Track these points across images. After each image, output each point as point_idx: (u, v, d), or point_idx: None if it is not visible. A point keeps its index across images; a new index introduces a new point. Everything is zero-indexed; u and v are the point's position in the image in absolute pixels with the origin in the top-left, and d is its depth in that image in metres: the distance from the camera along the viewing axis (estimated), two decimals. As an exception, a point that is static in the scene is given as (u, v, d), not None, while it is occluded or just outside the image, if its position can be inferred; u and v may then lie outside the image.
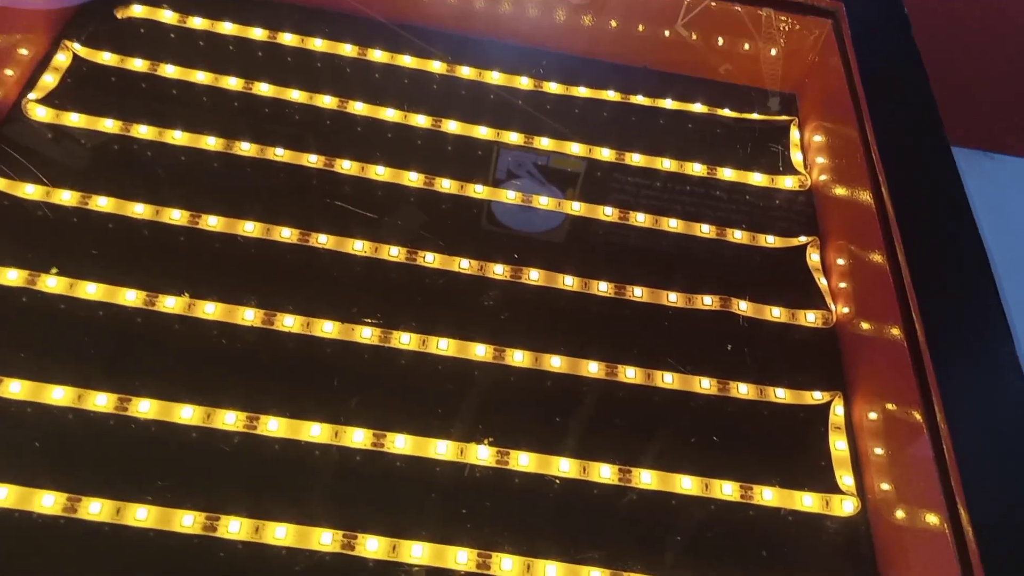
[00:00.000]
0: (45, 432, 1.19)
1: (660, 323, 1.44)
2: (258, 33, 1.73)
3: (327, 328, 1.35)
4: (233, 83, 1.64)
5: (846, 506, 1.28)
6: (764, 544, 1.24)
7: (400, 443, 1.25)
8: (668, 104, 1.76)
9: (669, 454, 1.30)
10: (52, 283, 1.33)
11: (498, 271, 1.46)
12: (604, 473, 1.26)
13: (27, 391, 1.22)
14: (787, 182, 1.68)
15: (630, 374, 1.36)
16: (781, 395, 1.38)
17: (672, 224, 1.57)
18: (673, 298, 1.46)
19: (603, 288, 1.46)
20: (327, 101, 1.65)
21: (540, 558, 1.17)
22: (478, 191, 1.56)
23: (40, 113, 1.53)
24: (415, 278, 1.44)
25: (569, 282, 1.46)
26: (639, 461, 1.28)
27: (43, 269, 1.33)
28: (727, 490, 1.26)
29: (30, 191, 1.43)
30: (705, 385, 1.37)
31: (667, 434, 1.32)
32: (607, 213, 1.57)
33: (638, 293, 1.46)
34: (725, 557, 1.22)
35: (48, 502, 1.13)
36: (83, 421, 1.22)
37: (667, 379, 1.37)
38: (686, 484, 1.27)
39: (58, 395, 1.22)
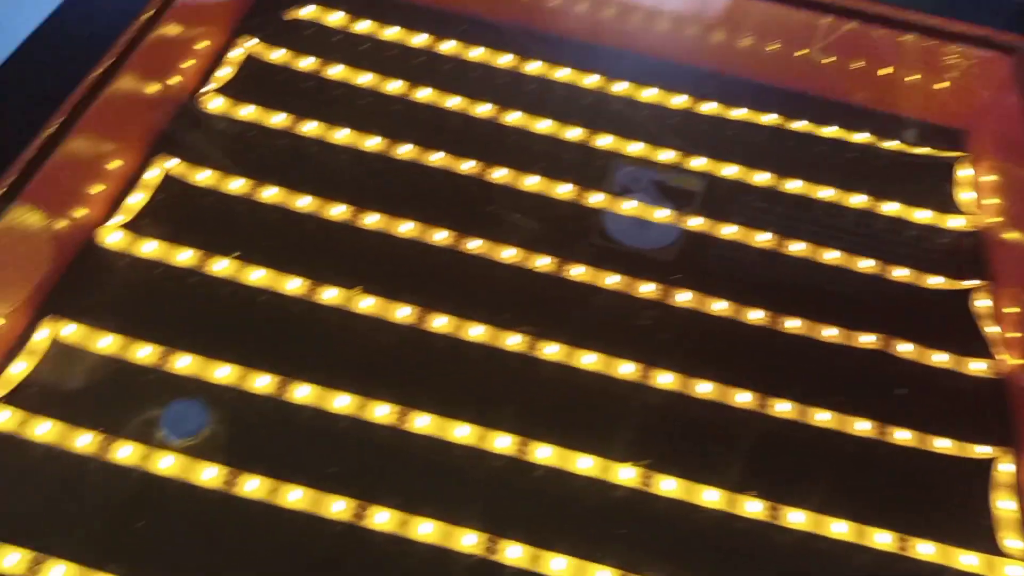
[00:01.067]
0: (208, 408, 1.23)
1: (816, 358, 1.39)
2: (420, 40, 1.77)
3: (475, 331, 1.36)
4: (394, 87, 1.68)
5: (1010, 572, 1.20)
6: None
7: (544, 453, 1.24)
8: (827, 131, 1.71)
9: (820, 495, 1.24)
10: (220, 266, 1.38)
11: (645, 289, 1.43)
12: (751, 507, 1.22)
13: (194, 366, 1.27)
14: (953, 221, 1.60)
15: (783, 408, 1.32)
16: (941, 445, 1.31)
17: (829, 256, 1.52)
18: (831, 332, 1.41)
19: (756, 316, 1.42)
20: (484, 110, 1.66)
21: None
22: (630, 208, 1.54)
23: (215, 104, 1.60)
24: (565, 290, 1.43)
25: (722, 307, 1.42)
26: (789, 499, 1.23)
27: (211, 252, 1.38)
28: (882, 539, 1.20)
29: (201, 177, 1.49)
30: (861, 427, 1.31)
31: (819, 474, 1.27)
32: (760, 239, 1.53)
33: (793, 324, 1.41)
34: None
35: (208, 475, 1.17)
36: (243, 400, 1.25)
37: (821, 416, 1.32)
38: (839, 528, 1.21)
39: (222, 373, 1.26)
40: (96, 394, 1.25)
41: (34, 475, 1.17)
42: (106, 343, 1.28)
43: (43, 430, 1.19)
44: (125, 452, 1.18)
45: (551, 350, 1.35)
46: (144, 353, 1.28)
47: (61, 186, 1.33)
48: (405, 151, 1.58)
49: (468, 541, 1.16)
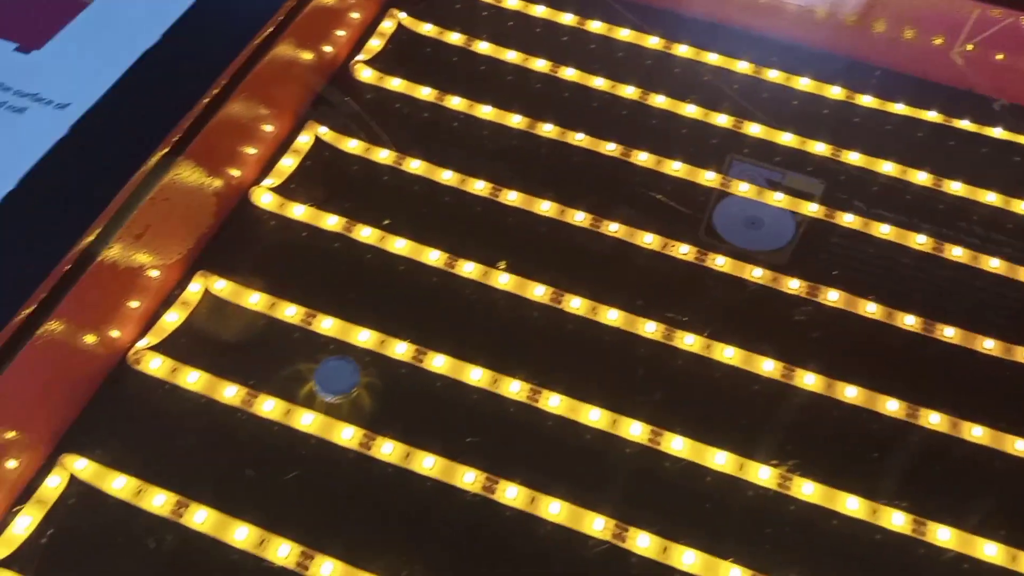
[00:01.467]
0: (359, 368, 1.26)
1: (972, 370, 1.31)
2: (567, 19, 1.75)
3: (611, 316, 1.34)
4: (540, 65, 1.66)
5: None
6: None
7: (677, 445, 1.21)
8: (996, 133, 1.60)
9: (970, 514, 1.17)
10: (365, 233, 1.40)
11: (793, 286, 1.38)
12: (896, 520, 1.16)
13: (336, 329, 1.29)
14: None
15: (934, 419, 1.24)
16: (1110, 473, 1.21)
17: (994, 264, 1.42)
18: (989, 344, 1.32)
19: (909, 321, 1.34)
20: (628, 91, 1.63)
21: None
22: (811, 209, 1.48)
23: (366, 75, 1.62)
24: (705, 279, 1.39)
25: (872, 309, 1.35)
26: (936, 515, 1.16)
27: (356, 218, 1.41)
28: (1039, 567, 1.12)
29: (352, 146, 1.52)
30: (1020, 446, 1.22)
31: (970, 491, 1.19)
32: (919, 241, 1.44)
33: (949, 333, 1.33)
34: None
35: (347, 435, 1.19)
36: (381, 364, 1.27)
37: (975, 432, 1.24)
38: (990, 551, 1.14)
39: (363, 337, 1.28)
40: (243, 348, 1.29)
41: (182, 422, 1.21)
42: (255, 300, 1.33)
43: (192, 379, 1.24)
44: (269, 406, 1.21)
45: (689, 340, 1.32)
46: (290, 312, 1.31)
47: (219, 147, 1.38)
48: (548, 130, 1.57)
49: (597, 526, 1.14)
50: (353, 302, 1.34)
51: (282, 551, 1.09)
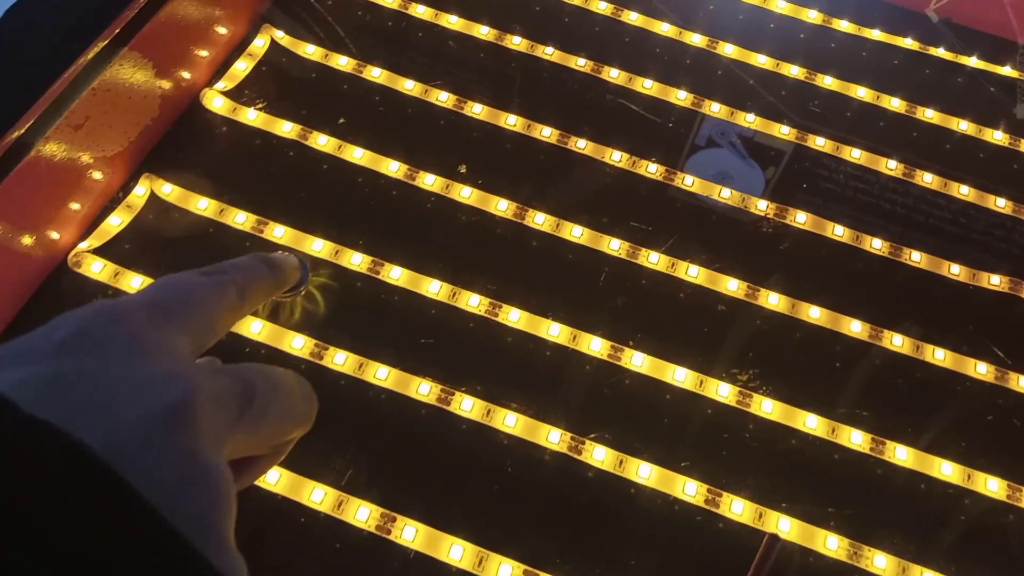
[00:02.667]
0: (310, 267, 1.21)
1: (937, 293, 1.29)
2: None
3: (576, 232, 1.30)
4: (510, -23, 1.59)
5: None
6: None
7: (637, 360, 1.18)
8: (973, 63, 1.57)
9: (927, 435, 1.16)
10: (322, 141, 1.34)
11: (761, 207, 1.35)
12: (855, 439, 1.15)
13: (288, 238, 1.24)
14: (1103, 167, 1.46)
15: (897, 341, 1.23)
16: (1068, 399, 1.21)
17: (963, 191, 1.40)
18: (956, 270, 1.31)
19: (876, 245, 1.32)
20: (601, 7, 1.58)
21: (773, 508, 1.08)
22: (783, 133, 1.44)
23: (326, -20, 1.54)
24: (672, 197, 1.35)
25: (839, 232, 1.33)
26: (894, 435, 1.15)
27: (313, 127, 1.35)
28: (993, 486, 1.12)
29: (310, 51, 1.45)
30: (982, 370, 1.22)
31: (929, 413, 1.19)
32: (890, 167, 1.42)
33: (916, 258, 1.31)
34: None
35: (298, 344, 1.15)
36: (336, 274, 1.22)
37: (938, 355, 1.23)
38: (946, 470, 1.14)
39: (317, 246, 1.23)
40: (189, 254, 1.24)
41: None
42: (203, 205, 1.27)
43: (136, 284, 1.19)
44: (216, 312, 1.16)
45: (653, 259, 1.28)
46: (240, 219, 1.26)
47: (168, 47, 1.30)
48: (517, 43, 1.51)
49: (554, 438, 1.12)
50: (307, 211, 1.28)
51: (227, 457, 1.05)
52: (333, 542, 1.04)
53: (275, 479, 1.05)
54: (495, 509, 1.08)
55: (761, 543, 0.88)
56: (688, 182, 1.38)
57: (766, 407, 1.16)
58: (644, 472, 1.10)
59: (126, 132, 1.24)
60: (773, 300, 1.26)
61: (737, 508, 1.09)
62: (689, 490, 1.09)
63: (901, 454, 1.14)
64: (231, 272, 0.51)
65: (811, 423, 1.16)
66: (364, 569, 1.03)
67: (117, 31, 1.18)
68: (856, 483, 1.13)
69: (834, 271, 1.31)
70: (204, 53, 1.39)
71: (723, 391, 1.17)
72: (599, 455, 1.10)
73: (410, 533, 1.03)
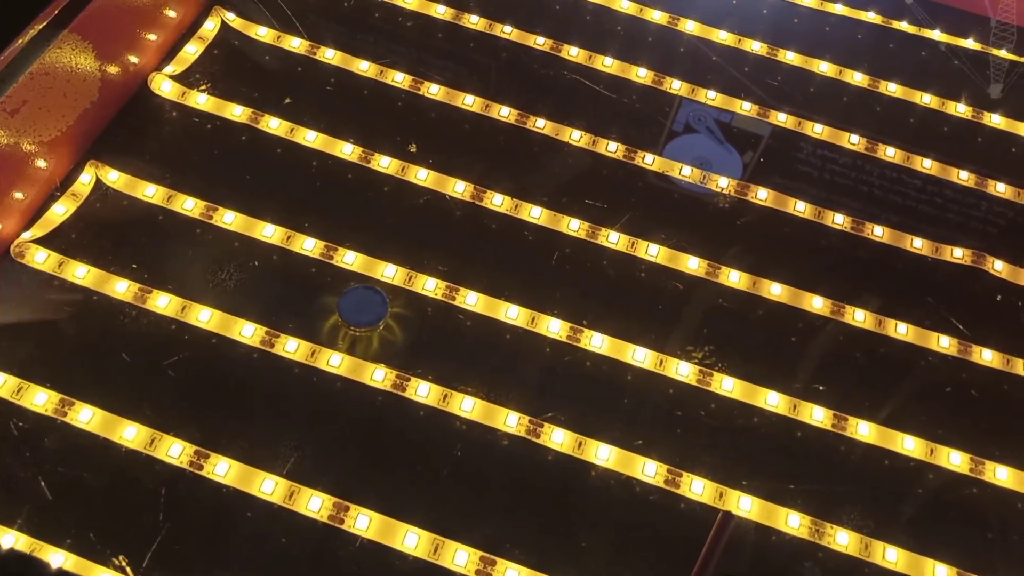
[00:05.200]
0: (249, 265, 1.18)
1: (899, 267, 1.28)
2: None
3: (535, 213, 1.28)
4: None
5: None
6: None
7: (597, 342, 1.17)
8: (936, 35, 1.55)
9: (892, 409, 1.15)
10: (274, 124, 1.31)
11: (722, 184, 1.33)
12: (816, 415, 1.14)
13: (238, 224, 1.21)
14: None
15: (859, 316, 1.22)
16: (1030, 371, 1.20)
17: (926, 164, 1.39)
18: (918, 244, 1.30)
19: (839, 221, 1.31)
20: (561, -15, 1.55)
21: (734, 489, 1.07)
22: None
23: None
24: (632, 177, 1.34)
25: (801, 208, 1.31)
26: (857, 411, 1.14)
27: (265, 110, 1.32)
28: (955, 460, 1.11)
29: (261, 33, 1.42)
30: (945, 343, 1.21)
31: (890, 389, 1.18)
32: (853, 142, 1.40)
33: (878, 232, 1.30)
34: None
35: (248, 332, 1.12)
36: (289, 261, 1.20)
37: (900, 330, 1.22)
38: (908, 445, 1.13)
39: (268, 232, 1.21)
40: (135, 244, 1.20)
41: (68, 319, 1.13)
42: (150, 192, 1.24)
43: (80, 273, 1.15)
44: (163, 302, 1.14)
45: (613, 239, 1.27)
46: (189, 206, 1.23)
47: (113, 30, 1.26)
48: (474, 22, 1.48)
49: (511, 421, 1.10)
50: (259, 197, 1.25)
51: (174, 450, 1.03)
52: (282, 534, 1.01)
53: (224, 470, 1.02)
54: (451, 496, 1.06)
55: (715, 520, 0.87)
56: (648, 160, 1.35)
57: (727, 385, 1.15)
58: (603, 453, 1.08)
59: (65, 117, 1.20)
60: (734, 277, 1.24)
61: (697, 488, 1.07)
62: (649, 471, 1.07)
63: (863, 430, 1.13)
64: None
65: (772, 400, 1.14)
66: (317, 557, 1.00)
67: (56, 13, 1.15)
68: (818, 459, 1.12)
69: (796, 247, 1.30)
70: (152, 36, 1.35)
71: (683, 370, 1.16)
72: (558, 437, 1.09)
73: (363, 522, 1.01)
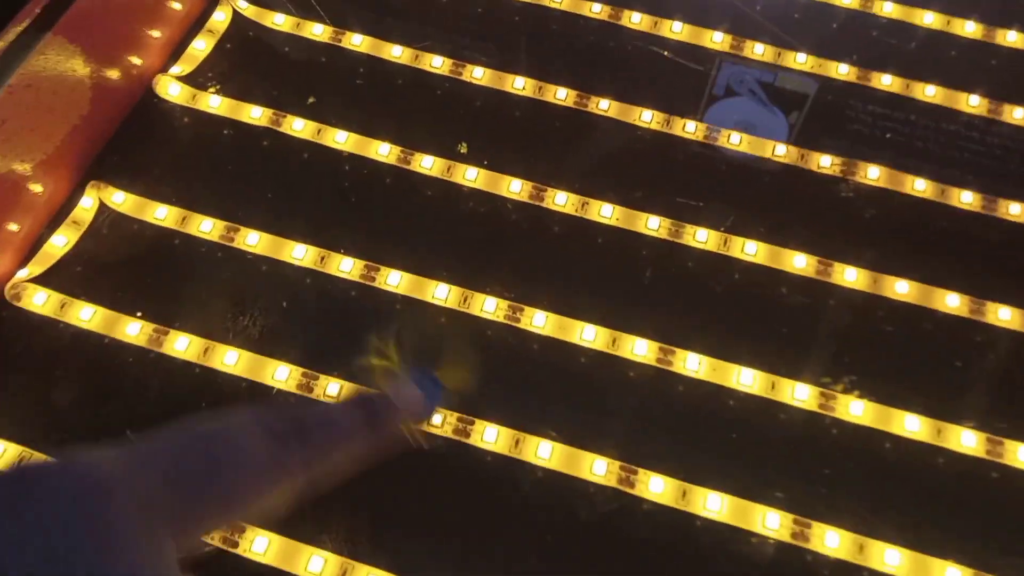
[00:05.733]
0: (282, 292, 1.01)
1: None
2: None
3: (605, 212, 1.09)
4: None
5: None
6: None
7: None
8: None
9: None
10: (298, 126, 1.14)
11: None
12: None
13: (264, 246, 1.04)
14: None
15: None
16: None
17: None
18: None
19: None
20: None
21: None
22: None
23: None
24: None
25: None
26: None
27: (288, 109, 1.14)
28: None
29: (278, 21, 1.24)
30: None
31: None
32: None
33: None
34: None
35: (282, 375, 0.95)
36: (321, 283, 1.03)
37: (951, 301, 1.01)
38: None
39: (299, 253, 1.04)
40: (149, 276, 1.04)
41: (68, 372, 0.97)
42: (162, 214, 1.07)
43: (86, 316, 0.99)
44: (182, 344, 0.97)
45: (701, 236, 1.07)
46: (206, 227, 1.06)
47: (106, 26, 1.10)
48: (518, -8, 1.28)
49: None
50: (285, 212, 1.08)
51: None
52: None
53: (262, 547, 0.86)
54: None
55: None
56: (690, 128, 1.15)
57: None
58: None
59: (50, 136, 1.03)
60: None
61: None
62: (771, 522, 0.88)
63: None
64: (308, 438, 0.40)
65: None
66: None
67: (37, 12, 0.98)
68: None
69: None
70: (155, 33, 1.18)
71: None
72: (656, 487, 0.90)
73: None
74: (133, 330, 0.98)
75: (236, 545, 0.86)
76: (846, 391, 0.97)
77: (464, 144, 1.13)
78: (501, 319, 1.01)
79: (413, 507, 0.91)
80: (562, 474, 0.92)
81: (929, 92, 1.19)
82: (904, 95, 1.19)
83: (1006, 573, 0.87)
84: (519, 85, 1.19)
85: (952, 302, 1.03)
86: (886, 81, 1.20)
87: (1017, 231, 1.09)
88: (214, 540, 0.86)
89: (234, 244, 1.05)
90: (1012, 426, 0.95)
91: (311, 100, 1.15)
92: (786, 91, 1.21)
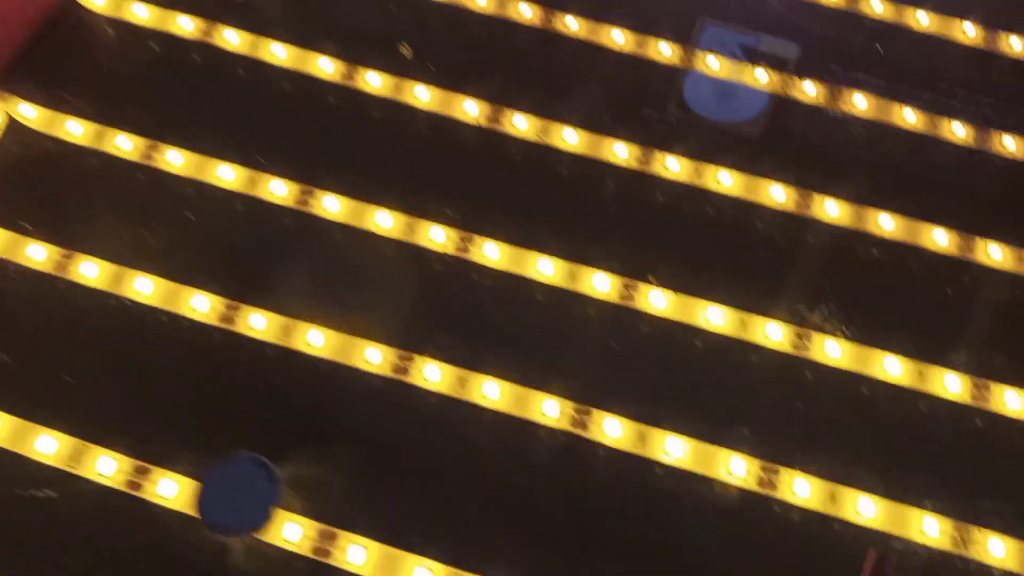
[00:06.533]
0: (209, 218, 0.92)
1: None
2: None
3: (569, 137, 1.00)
4: None
5: None
6: None
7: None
8: None
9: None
10: (233, 40, 1.04)
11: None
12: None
13: (188, 165, 0.95)
14: None
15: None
16: None
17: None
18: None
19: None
20: None
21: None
22: None
23: None
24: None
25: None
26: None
27: (224, 19, 1.04)
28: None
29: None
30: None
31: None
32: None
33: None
34: None
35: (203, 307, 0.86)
36: (256, 209, 0.93)
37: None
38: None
39: (226, 175, 0.94)
40: (60, 200, 0.95)
41: None
42: (76, 130, 0.97)
43: (-3, 242, 0.90)
44: (91, 271, 0.88)
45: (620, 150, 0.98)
46: (125, 145, 0.96)
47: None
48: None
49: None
50: (215, 130, 0.99)
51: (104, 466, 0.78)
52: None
53: (172, 492, 0.77)
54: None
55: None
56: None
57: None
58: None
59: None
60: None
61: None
62: (736, 468, 0.81)
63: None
64: None
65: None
66: None
67: None
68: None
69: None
70: (77, -67, 1.07)
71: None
72: (613, 430, 0.82)
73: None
74: (38, 254, 0.88)
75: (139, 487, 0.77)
76: (822, 331, 0.89)
77: (407, 46, 1.02)
78: (451, 251, 0.92)
79: (346, 451, 0.82)
80: (511, 416, 0.84)
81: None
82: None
83: (987, 522, 0.80)
84: (482, 3, 1.09)
85: (940, 239, 0.95)
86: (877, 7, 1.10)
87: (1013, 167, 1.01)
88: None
89: (153, 163, 0.95)
90: (999, 370, 0.87)
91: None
92: (768, 55, 1.13)
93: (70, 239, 0.90)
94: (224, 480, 0.76)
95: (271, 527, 0.76)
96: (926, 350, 0.88)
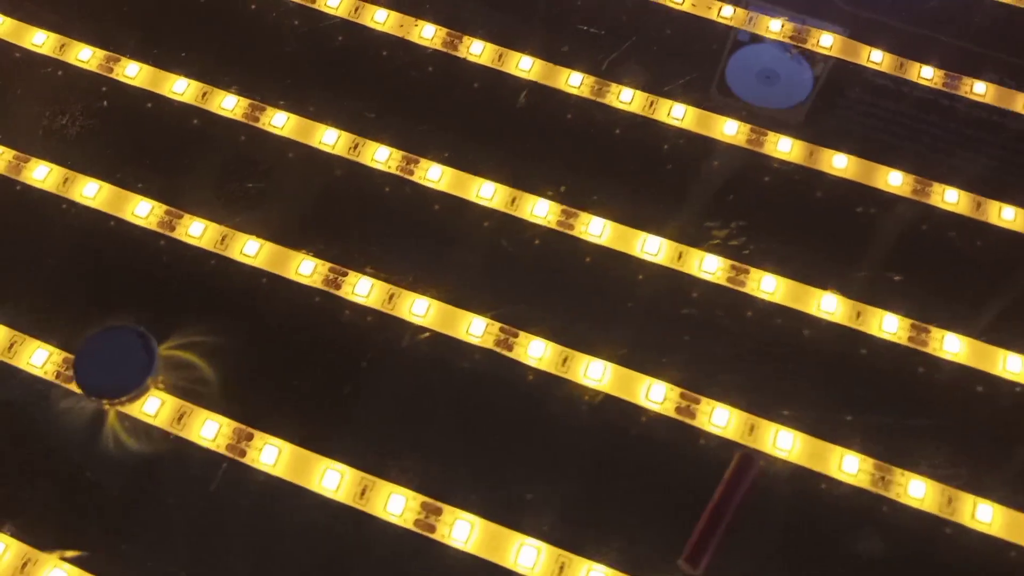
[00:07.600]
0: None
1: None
2: None
3: (524, 65, 0.99)
4: None
5: None
6: None
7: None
8: None
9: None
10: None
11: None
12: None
13: (144, 77, 0.96)
14: None
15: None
16: None
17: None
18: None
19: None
20: None
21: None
22: None
23: None
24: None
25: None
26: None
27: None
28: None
29: None
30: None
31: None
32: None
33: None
34: None
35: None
36: (209, 122, 0.94)
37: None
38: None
39: (178, 87, 0.95)
40: (23, 111, 0.96)
41: None
42: (39, 40, 0.99)
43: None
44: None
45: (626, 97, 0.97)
46: (85, 56, 0.97)
47: None
48: None
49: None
50: (171, 40, 1.00)
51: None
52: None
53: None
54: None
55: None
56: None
57: (767, 285, 0.87)
58: (596, 372, 0.82)
59: None
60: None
61: (720, 418, 0.80)
62: (656, 395, 0.81)
63: (952, 345, 0.85)
64: None
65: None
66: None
67: None
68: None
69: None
70: None
71: (710, 265, 0.88)
72: (537, 350, 0.83)
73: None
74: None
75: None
76: (757, 266, 0.88)
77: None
78: (393, 170, 0.93)
79: (275, 367, 0.83)
80: (439, 333, 0.84)
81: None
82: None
83: (912, 466, 0.79)
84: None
85: (894, 180, 0.94)
86: None
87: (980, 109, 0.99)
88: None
89: (112, 75, 0.96)
90: (940, 316, 0.86)
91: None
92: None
93: None
94: (101, 345, 0.77)
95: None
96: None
